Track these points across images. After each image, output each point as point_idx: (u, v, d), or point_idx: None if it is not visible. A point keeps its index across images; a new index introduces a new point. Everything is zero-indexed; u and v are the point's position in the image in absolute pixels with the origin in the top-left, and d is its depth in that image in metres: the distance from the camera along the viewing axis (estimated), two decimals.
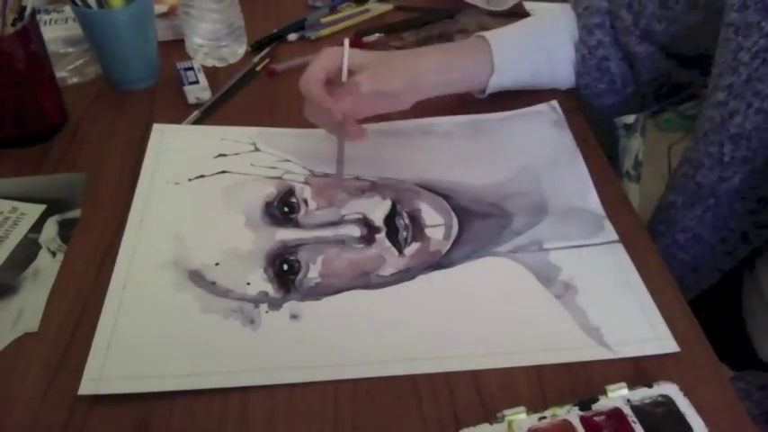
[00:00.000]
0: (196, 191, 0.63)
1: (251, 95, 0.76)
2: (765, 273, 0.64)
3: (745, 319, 0.67)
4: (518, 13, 0.90)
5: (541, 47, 0.70)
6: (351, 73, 0.62)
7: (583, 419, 0.43)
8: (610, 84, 0.71)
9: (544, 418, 0.43)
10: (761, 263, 0.65)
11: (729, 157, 0.58)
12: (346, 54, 0.61)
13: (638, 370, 0.49)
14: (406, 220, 0.60)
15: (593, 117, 0.74)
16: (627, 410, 0.43)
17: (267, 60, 0.80)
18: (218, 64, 0.80)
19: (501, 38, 0.68)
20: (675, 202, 0.63)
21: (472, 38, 0.69)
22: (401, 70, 0.63)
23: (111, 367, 0.48)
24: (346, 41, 0.62)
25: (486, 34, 0.68)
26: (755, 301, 0.66)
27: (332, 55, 0.61)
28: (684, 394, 0.44)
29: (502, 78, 0.68)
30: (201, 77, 0.75)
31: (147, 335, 0.51)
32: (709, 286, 0.65)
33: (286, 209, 0.61)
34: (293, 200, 0.62)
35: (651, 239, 0.59)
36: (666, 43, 0.66)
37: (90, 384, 0.47)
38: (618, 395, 0.44)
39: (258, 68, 0.79)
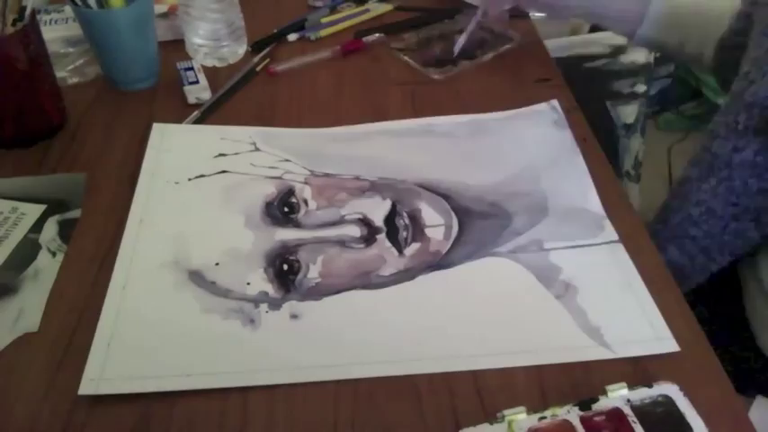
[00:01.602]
0: (196, 191, 0.63)
1: (251, 95, 0.76)
2: (764, 260, 0.64)
3: (745, 307, 0.67)
4: (518, 14, 0.90)
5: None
6: None
7: (583, 419, 0.43)
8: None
9: (544, 418, 0.43)
10: (760, 251, 0.64)
11: (743, 126, 0.58)
12: None
13: (638, 370, 0.49)
14: (406, 221, 0.60)
15: (593, 117, 0.74)
16: (627, 410, 0.43)
17: (267, 60, 0.80)
18: (218, 64, 0.80)
19: None
20: (691, 175, 0.63)
21: None
22: None
23: (111, 367, 0.48)
24: None
25: None
26: (754, 290, 0.66)
27: None
28: (684, 394, 0.44)
29: (658, 13, 0.68)
30: (201, 77, 0.75)
31: (147, 335, 0.51)
32: (716, 275, 0.65)
33: (286, 209, 0.61)
34: (293, 200, 0.62)
35: (651, 239, 0.59)
36: None
37: (90, 384, 0.47)
38: (618, 395, 0.44)
39: (258, 68, 0.79)
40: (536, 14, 0.90)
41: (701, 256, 0.64)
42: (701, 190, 0.62)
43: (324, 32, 0.85)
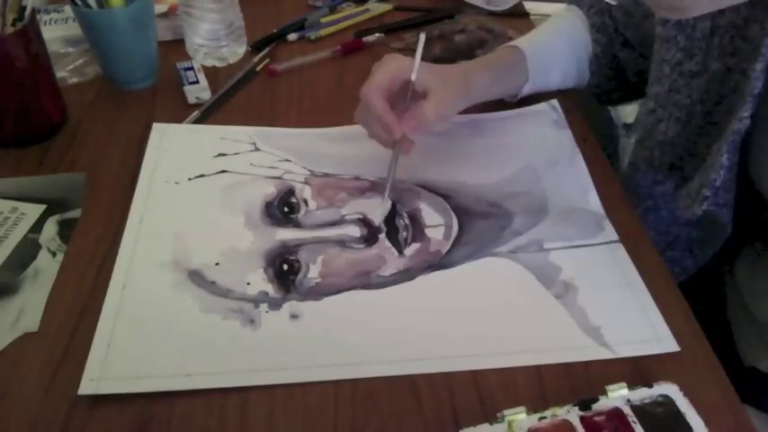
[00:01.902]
0: (196, 190, 0.63)
1: (251, 95, 0.76)
2: (745, 279, 0.64)
3: (730, 323, 0.68)
4: (518, 13, 0.90)
5: (569, 50, 0.71)
6: (414, 92, 0.61)
7: (583, 419, 0.43)
8: (618, 80, 0.72)
9: (544, 418, 0.43)
10: (740, 268, 0.65)
11: (659, 162, 0.61)
12: (414, 73, 0.60)
13: (638, 370, 0.49)
14: (406, 221, 0.60)
15: (593, 117, 0.74)
16: (627, 410, 0.43)
17: (267, 60, 0.80)
18: (218, 64, 0.80)
19: (534, 45, 0.68)
20: (653, 113, 0.64)
21: (506, 48, 0.69)
22: (460, 94, 0.63)
23: (111, 367, 0.48)
24: (418, 55, 0.60)
25: (519, 43, 0.68)
26: (737, 309, 0.66)
27: (397, 66, 0.60)
28: (684, 394, 0.44)
29: (534, 85, 0.69)
30: (201, 77, 0.75)
31: (147, 335, 0.51)
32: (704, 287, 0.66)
33: (286, 209, 0.61)
34: (293, 200, 0.62)
35: (650, 239, 0.59)
36: (640, 46, 0.68)
37: (90, 384, 0.47)
38: (618, 395, 0.44)
39: (258, 68, 0.79)
40: (536, 14, 0.90)
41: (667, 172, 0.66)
42: (635, 213, 0.63)
43: (324, 32, 0.85)
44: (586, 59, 0.72)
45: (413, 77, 0.59)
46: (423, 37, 0.62)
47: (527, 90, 0.69)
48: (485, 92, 0.66)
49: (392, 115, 0.58)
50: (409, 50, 0.81)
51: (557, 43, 0.71)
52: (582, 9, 0.72)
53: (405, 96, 0.60)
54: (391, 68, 0.59)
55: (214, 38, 0.78)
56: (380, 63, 0.60)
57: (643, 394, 0.44)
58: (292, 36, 0.85)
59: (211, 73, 0.78)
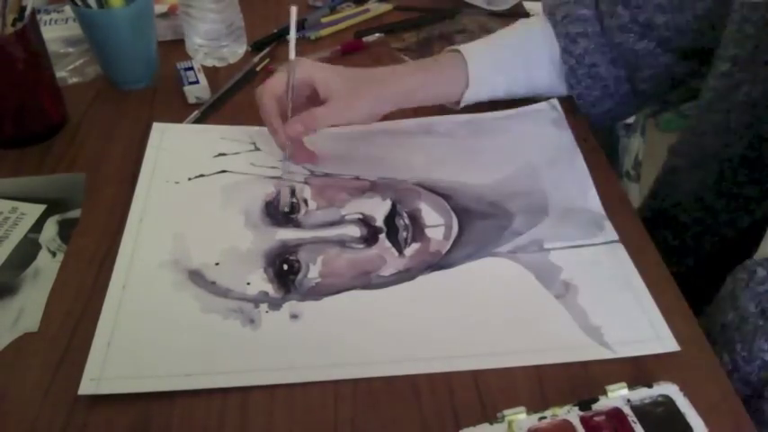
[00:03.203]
0: (196, 190, 0.63)
1: (251, 95, 0.75)
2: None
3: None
4: (518, 14, 0.90)
5: (518, 59, 0.68)
6: (315, 93, 0.61)
7: (583, 419, 0.43)
8: (603, 89, 0.70)
9: (544, 418, 0.43)
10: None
11: (735, 124, 0.58)
12: (292, 79, 0.60)
13: (638, 370, 0.49)
14: (406, 221, 0.60)
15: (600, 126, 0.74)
16: (627, 410, 0.43)
17: (267, 60, 0.80)
18: (218, 64, 0.80)
19: (476, 52, 0.67)
20: (679, 166, 0.63)
21: (447, 53, 0.68)
22: (373, 98, 0.62)
23: (111, 367, 0.48)
24: (291, 60, 0.60)
25: (462, 48, 0.67)
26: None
27: (301, 69, 0.60)
28: (684, 394, 0.44)
29: (477, 93, 0.67)
30: (201, 77, 0.75)
31: (147, 334, 0.51)
32: (709, 266, 0.65)
33: (286, 209, 0.61)
34: (293, 200, 0.62)
35: (650, 237, 0.59)
36: (669, 36, 0.65)
37: (90, 384, 0.47)
38: (618, 395, 0.44)
39: (258, 68, 0.79)
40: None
41: (691, 240, 0.65)
42: (691, 180, 0.62)
43: (324, 32, 0.85)
44: (544, 70, 0.69)
45: (291, 56, 0.60)
46: (293, 11, 0.61)
47: (469, 98, 0.67)
48: (414, 95, 0.65)
49: (277, 119, 0.60)
50: (409, 50, 0.82)
51: (505, 51, 0.68)
52: (553, 18, 0.69)
53: (314, 99, 0.61)
54: (288, 73, 0.60)
55: (214, 38, 0.78)
56: (280, 67, 0.61)
57: (643, 394, 0.44)
58: None
59: (211, 73, 0.78)
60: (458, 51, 0.67)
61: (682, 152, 0.64)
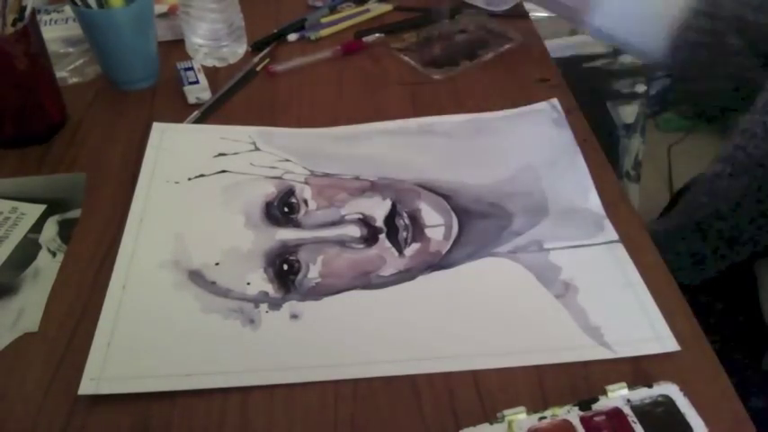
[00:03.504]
0: (196, 190, 0.63)
1: (251, 95, 0.76)
2: None
3: (762, 305, 0.67)
4: (518, 14, 0.90)
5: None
6: None
7: (583, 419, 0.43)
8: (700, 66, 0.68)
9: (544, 418, 0.43)
10: None
11: None
12: None
13: (638, 370, 0.49)
14: (406, 221, 0.60)
15: (593, 117, 0.74)
16: (627, 410, 0.43)
17: (267, 60, 0.80)
18: (218, 64, 0.80)
19: None
20: (722, 172, 0.63)
21: None
22: None
23: (111, 367, 0.48)
24: None
25: None
26: None
27: None
28: (684, 394, 0.44)
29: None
30: (201, 77, 0.75)
31: (147, 335, 0.51)
32: (732, 275, 0.65)
33: (286, 209, 0.61)
34: (293, 200, 0.62)
35: (650, 239, 0.59)
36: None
37: (90, 384, 0.47)
38: (618, 395, 0.44)
39: (258, 68, 0.79)
40: (536, 14, 0.90)
41: (724, 247, 0.65)
42: (731, 188, 0.62)
43: (324, 32, 0.85)
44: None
45: None
46: None
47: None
48: None
49: None
50: (409, 50, 0.82)
51: None
52: None
53: None
54: None
55: (214, 38, 0.78)
56: None
57: (643, 394, 0.44)
58: (292, 36, 0.85)
59: (211, 73, 0.78)
60: None
61: (726, 158, 0.64)
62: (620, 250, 0.57)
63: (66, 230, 0.60)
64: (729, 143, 0.64)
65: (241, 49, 0.81)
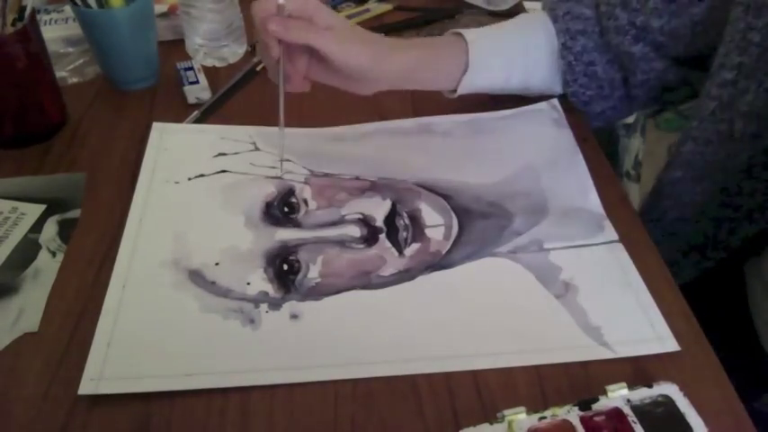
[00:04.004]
0: (196, 190, 0.63)
1: (251, 95, 0.76)
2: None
3: (750, 310, 0.67)
4: (518, 14, 0.90)
5: (518, 49, 0.68)
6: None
7: (583, 419, 0.43)
8: (598, 90, 0.70)
9: (544, 418, 0.43)
10: (766, 251, 0.64)
11: (740, 134, 0.58)
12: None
13: (638, 370, 0.49)
14: (406, 221, 0.60)
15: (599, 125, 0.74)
16: (627, 410, 0.43)
17: None
18: (218, 64, 0.80)
19: (478, 37, 0.66)
20: (683, 177, 0.63)
21: (449, 35, 0.67)
22: (370, 56, 0.58)
23: (111, 367, 0.48)
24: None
25: (464, 31, 0.65)
26: (760, 292, 0.66)
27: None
28: (684, 394, 0.44)
29: (474, 80, 0.66)
30: (201, 77, 0.75)
31: (147, 335, 0.51)
32: (714, 271, 0.65)
33: (286, 209, 0.61)
34: (293, 200, 0.62)
35: (650, 238, 0.59)
36: (663, 42, 0.65)
37: (90, 384, 0.47)
38: (618, 395, 0.44)
39: (258, 68, 0.79)
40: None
41: (694, 253, 0.65)
42: (694, 192, 0.62)
43: None
44: (541, 65, 0.69)
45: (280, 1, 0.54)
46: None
47: (467, 82, 0.65)
48: (409, 72, 0.62)
49: (272, 38, 0.55)
50: None
51: (507, 41, 0.67)
52: (553, 12, 0.69)
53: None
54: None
55: (214, 38, 0.78)
56: None
57: (643, 394, 0.44)
58: None
59: (211, 73, 0.78)
60: (459, 35, 0.66)
61: (682, 164, 0.64)
62: (620, 250, 0.57)
63: (66, 230, 0.60)
64: (684, 149, 0.64)
65: (241, 49, 0.81)
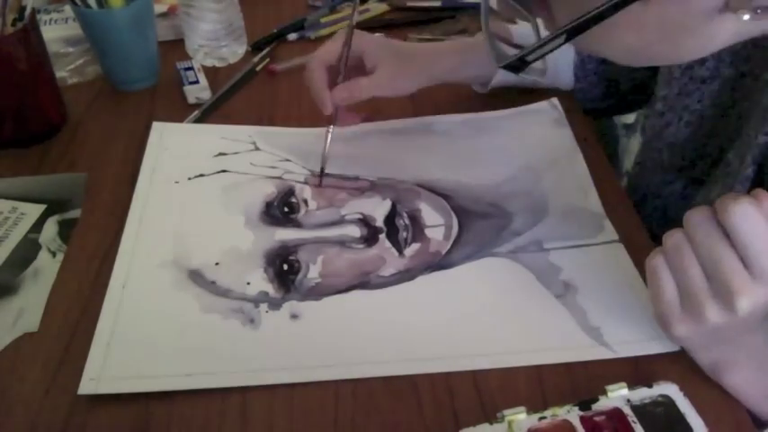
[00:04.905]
0: (196, 190, 0.63)
1: (251, 95, 0.76)
2: None
3: None
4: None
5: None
6: (361, 62, 0.62)
7: (583, 419, 0.43)
8: (606, 88, 0.71)
9: (544, 418, 0.43)
10: None
11: (668, 164, 0.61)
12: (345, 58, 0.61)
13: (638, 370, 0.49)
14: (406, 221, 0.60)
15: (593, 117, 0.74)
16: (627, 410, 0.43)
17: (267, 60, 0.80)
18: (218, 64, 0.80)
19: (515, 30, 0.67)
20: (632, 199, 0.65)
21: (480, 35, 0.69)
22: (416, 75, 0.64)
23: (111, 367, 0.48)
24: (350, 28, 0.62)
25: None
26: None
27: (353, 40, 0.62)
28: (684, 394, 0.44)
29: (508, 75, 0.67)
30: (201, 77, 0.75)
31: (147, 334, 0.51)
32: None
33: (286, 209, 0.61)
34: (293, 200, 0.62)
35: (650, 238, 0.59)
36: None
37: (90, 384, 0.47)
38: (618, 395, 0.44)
39: (258, 68, 0.79)
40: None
41: None
42: (641, 213, 0.63)
43: (324, 32, 0.85)
44: (567, 60, 0.71)
45: (348, 45, 0.62)
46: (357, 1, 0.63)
47: (499, 80, 0.69)
48: (451, 74, 0.67)
49: (325, 91, 0.61)
50: None
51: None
52: None
53: (360, 68, 0.63)
54: (340, 43, 0.62)
55: (214, 38, 0.78)
56: (334, 37, 0.63)
57: (643, 394, 0.44)
58: (292, 36, 0.85)
59: (211, 73, 0.78)
60: None
61: (632, 186, 0.66)
62: (620, 250, 0.57)
63: (66, 230, 0.60)
64: (632, 172, 0.67)
65: (241, 48, 0.81)
